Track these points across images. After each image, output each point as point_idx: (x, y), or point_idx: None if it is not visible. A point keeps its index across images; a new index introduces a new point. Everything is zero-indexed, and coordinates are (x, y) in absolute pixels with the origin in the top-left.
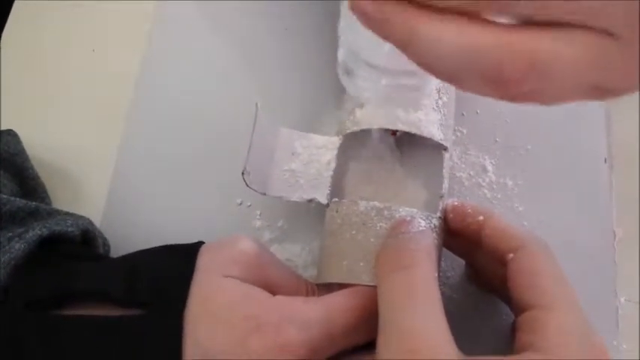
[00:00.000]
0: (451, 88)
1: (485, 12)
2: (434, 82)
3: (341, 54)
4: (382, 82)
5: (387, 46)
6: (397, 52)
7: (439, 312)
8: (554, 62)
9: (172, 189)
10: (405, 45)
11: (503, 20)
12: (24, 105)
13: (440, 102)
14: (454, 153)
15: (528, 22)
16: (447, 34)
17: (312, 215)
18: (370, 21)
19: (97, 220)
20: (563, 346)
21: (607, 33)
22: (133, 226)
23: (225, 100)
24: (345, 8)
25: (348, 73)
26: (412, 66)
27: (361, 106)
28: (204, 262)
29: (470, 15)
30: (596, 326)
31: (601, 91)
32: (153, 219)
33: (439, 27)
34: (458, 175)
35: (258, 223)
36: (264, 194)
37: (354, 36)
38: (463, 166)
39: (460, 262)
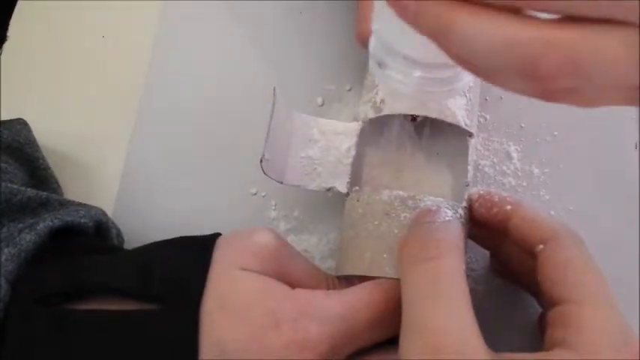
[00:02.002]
0: None
1: (525, 8)
2: (467, 75)
3: (373, 45)
4: (415, 74)
5: (422, 38)
6: (432, 44)
7: (466, 306)
8: (593, 58)
9: (186, 179)
10: (441, 38)
11: (543, 16)
12: (34, 94)
13: (465, 87)
14: (478, 139)
15: (569, 18)
16: (485, 29)
17: (329, 205)
18: (406, 13)
19: (109, 210)
20: (596, 343)
21: None
22: (145, 216)
23: (239, 86)
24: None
25: (380, 64)
26: (446, 59)
27: (381, 91)
28: (221, 254)
29: (509, 10)
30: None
31: (636, 94)
32: (166, 209)
33: (476, 21)
34: (481, 162)
35: (273, 214)
36: (282, 183)
37: (388, 27)
38: (487, 153)
39: (484, 253)
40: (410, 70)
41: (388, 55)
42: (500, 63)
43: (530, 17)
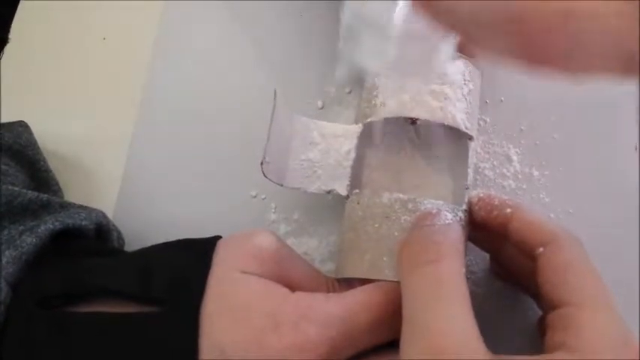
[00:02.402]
0: (476, 75)
1: None
2: (444, 50)
3: (346, 18)
4: (390, 48)
5: (399, 10)
6: (408, 16)
7: (467, 309)
8: (590, 15)
9: (186, 181)
10: None
11: None
12: (34, 95)
13: (465, 90)
14: (478, 142)
15: None
16: None
17: (329, 207)
18: None
19: (110, 212)
20: (596, 346)
21: None
22: (145, 218)
23: (239, 89)
24: None
25: (354, 40)
26: (424, 31)
27: (381, 93)
28: (221, 257)
29: None
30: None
31: (634, 66)
32: (166, 211)
33: None
34: (481, 165)
35: (273, 216)
36: (282, 185)
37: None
38: (486, 156)
39: (484, 256)
40: (385, 44)
41: (362, 29)
42: (486, 17)
43: None
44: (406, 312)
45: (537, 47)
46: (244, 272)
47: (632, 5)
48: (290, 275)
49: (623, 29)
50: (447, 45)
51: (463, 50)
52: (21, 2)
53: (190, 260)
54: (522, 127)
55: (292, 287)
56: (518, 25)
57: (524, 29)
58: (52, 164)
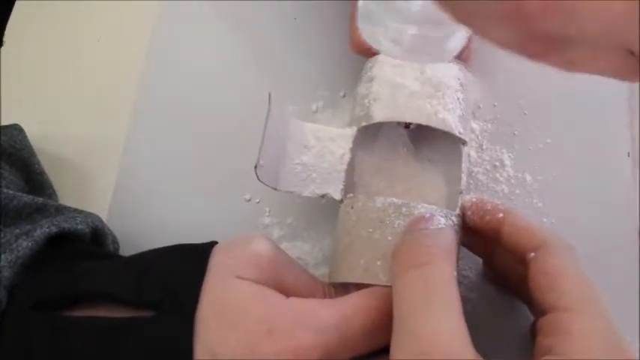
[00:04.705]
0: (470, 81)
1: None
2: (459, 36)
3: (363, 2)
4: (410, 31)
5: None
6: (424, 3)
7: (457, 313)
8: (584, 2)
9: (179, 184)
10: None
11: None
12: (29, 98)
13: (459, 95)
14: (471, 147)
15: None
16: None
17: (323, 211)
18: None
19: (104, 215)
20: (585, 351)
21: None
22: (139, 222)
23: (233, 92)
24: None
25: (370, 20)
26: (440, 16)
27: (375, 98)
28: (216, 262)
29: None
30: (619, 326)
31: (633, 62)
32: (159, 214)
33: None
34: (475, 169)
35: (267, 220)
36: (275, 189)
37: None
38: (480, 160)
39: (477, 261)
40: (403, 28)
41: (380, 11)
42: (487, 5)
43: None
44: (396, 315)
45: (533, 27)
46: (240, 278)
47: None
48: (285, 281)
49: (621, 19)
50: (462, 30)
51: (459, 56)
52: (15, 6)
53: (185, 265)
54: (515, 132)
55: (288, 293)
56: (517, 14)
57: (519, 10)
58: (46, 167)
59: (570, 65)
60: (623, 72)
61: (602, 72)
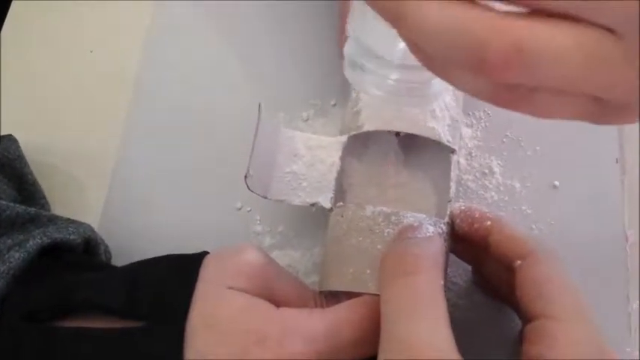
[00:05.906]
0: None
1: None
2: (439, 82)
3: (349, 47)
4: (392, 76)
5: (397, 40)
6: (407, 49)
7: (443, 321)
8: (540, 49)
9: (171, 193)
10: (395, 20)
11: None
12: (21, 108)
13: (448, 103)
14: (460, 155)
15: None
16: (433, 10)
17: (313, 220)
18: None
19: (95, 225)
20: (570, 358)
21: (608, 30)
22: (130, 231)
23: (225, 102)
24: (357, 1)
25: (355, 67)
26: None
27: (365, 106)
28: (207, 272)
29: None
30: (607, 333)
31: (600, 107)
32: (151, 223)
33: (426, 2)
34: (464, 177)
35: (258, 229)
36: (266, 198)
37: (367, 29)
38: (469, 167)
39: (466, 268)
40: (387, 73)
41: (365, 57)
42: (448, 49)
43: (482, 5)
44: (383, 323)
45: (496, 77)
46: (230, 288)
47: (584, 37)
48: (276, 291)
49: (575, 62)
50: None
51: None
52: (7, 16)
53: (176, 275)
54: (504, 140)
55: (279, 303)
56: (477, 59)
57: (482, 61)
58: (39, 177)
59: (540, 113)
60: (594, 117)
61: (572, 118)
